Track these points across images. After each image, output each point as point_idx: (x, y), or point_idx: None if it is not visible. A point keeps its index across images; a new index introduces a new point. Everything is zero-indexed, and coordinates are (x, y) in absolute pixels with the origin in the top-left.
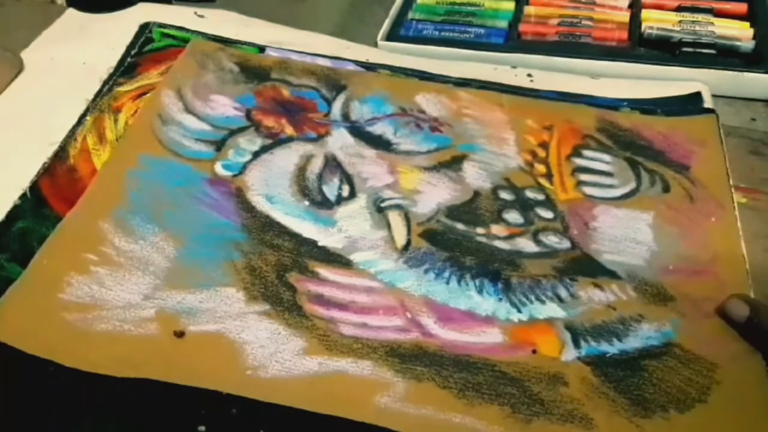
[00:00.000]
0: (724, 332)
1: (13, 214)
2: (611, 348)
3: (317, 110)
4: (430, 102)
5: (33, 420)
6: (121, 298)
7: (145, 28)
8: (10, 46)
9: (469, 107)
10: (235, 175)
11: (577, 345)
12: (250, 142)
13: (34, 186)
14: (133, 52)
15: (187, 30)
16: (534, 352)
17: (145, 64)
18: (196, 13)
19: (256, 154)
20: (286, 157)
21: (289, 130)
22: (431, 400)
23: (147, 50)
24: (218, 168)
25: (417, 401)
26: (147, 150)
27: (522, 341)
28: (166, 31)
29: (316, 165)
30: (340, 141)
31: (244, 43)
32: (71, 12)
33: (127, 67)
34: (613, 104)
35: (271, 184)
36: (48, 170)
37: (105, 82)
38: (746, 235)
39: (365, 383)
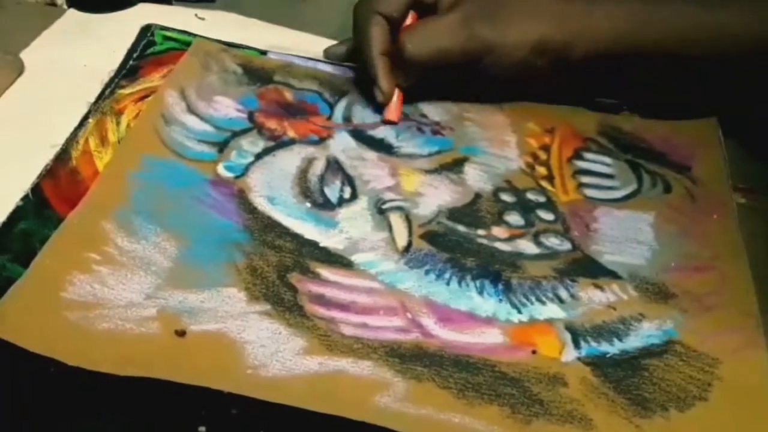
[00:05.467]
0: (725, 325)
1: (15, 215)
2: (611, 348)
3: (319, 113)
4: (431, 106)
5: (34, 418)
6: (123, 297)
7: (146, 30)
8: (10, 48)
9: (471, 111)
10: (237, 177)
11: (577, 345)
12: (252, 144)
13: (36, 188)
14: (134, 55)
15: (189, 33)
16: (534, 352)
17: (146, 67)
18: (196, 15)
19: (258, 156)
20: (288, 160)
21: (292, 133)
22: (431, 400)
23: (149, 53)
24: (220, 169)
25: (417, 401)
26: (150, 151)
27: (522, 342)
28: (168, 33)
29: (318, 167)
30: (341, 144)
31: (246, 47)
32: (72, 13)
33: (128, 70)
34: (614, 108)
35: (273, 186)
36: (50, 172)
37: (107, 85)
38: (746, 235)
39: (365, 383)
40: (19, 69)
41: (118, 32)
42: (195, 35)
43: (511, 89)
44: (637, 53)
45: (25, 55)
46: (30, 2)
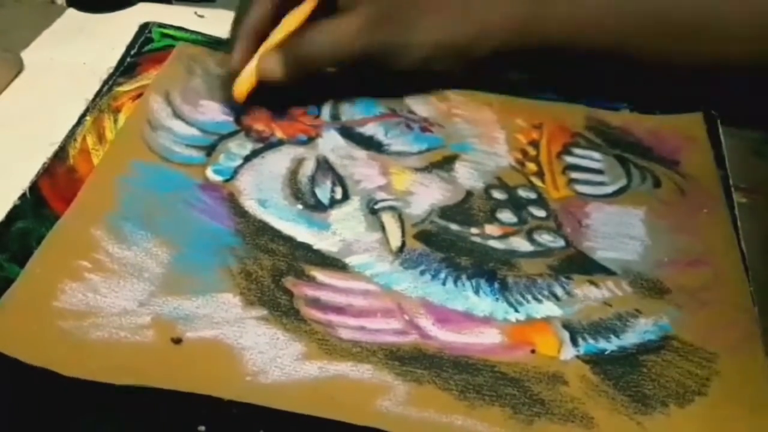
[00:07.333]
0: (722, 320)
1: (13, 214)
2: (609, 345)
3: (307, 113)
4: (419, 103)
5: (33, 417)
6: (116, 305)
7: (144, 28)
8: (10, 47)
9: (459, 107)
10: (226, 180)
11: (575, 343)
12: (240, 147)
13: (34, 186)
14: (132, 52)
15: (187, 30)
16: (533, 351)
17: (144, 64)
18: (196, 13)
19: (246, 159)
20: (278, 161)
21: (280, 134)
22: (433, 403)
23: (146, 50)
24: (209, 173)
25: (418, 404)
26: (137, 156)
27: (520, 341)
28: (165, 31)
29: (308, 168)
30: (330, 143)
31: None
32: (71, 12)
33: (126, 67)
34: (612, 106)
35: (264, 188)
36: (48, 170)
37: (105, 82)
38: (746, 235)
39: (366, 387)
40: (19, 67)
41: (118, 31)
42: (192, 32)
43: (413, 81)
44: (543, 46)
45: (25, 53)
46: (30, 1)
